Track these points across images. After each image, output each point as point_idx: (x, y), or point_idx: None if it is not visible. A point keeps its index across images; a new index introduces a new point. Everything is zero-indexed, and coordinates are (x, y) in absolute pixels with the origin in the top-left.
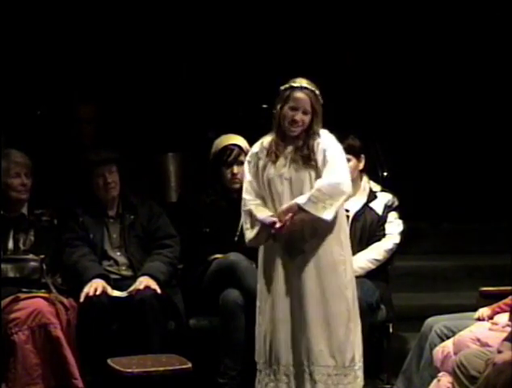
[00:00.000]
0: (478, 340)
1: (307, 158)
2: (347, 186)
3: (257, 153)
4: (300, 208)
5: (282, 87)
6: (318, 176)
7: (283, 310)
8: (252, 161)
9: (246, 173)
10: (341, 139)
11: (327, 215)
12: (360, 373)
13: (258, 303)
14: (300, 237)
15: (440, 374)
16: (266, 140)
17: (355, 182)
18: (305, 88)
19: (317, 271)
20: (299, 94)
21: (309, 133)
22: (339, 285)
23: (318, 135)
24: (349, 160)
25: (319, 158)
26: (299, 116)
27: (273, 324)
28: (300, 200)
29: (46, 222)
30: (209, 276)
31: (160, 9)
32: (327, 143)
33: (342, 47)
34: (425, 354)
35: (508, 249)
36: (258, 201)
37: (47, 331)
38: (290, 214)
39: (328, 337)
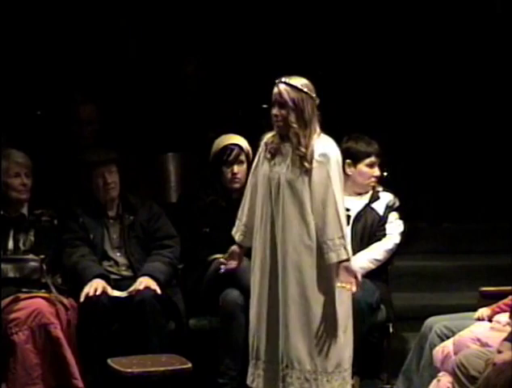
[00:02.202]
0: (478, 340)
1: (302, 159)
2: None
3: (262, 145)
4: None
5: None
6: (310, 181)
7: (267, 309)
8: (260, 150)
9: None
10: (370, 142)
11: (349, 254)
12: (349, 379)
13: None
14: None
15: (440, 374)
16: (269, 135)
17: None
18: (282, 82)
19: (300, 274)
20: (275, 89)
21: (289, 129)
22: (324, 290)
23: (308, 129)
24: (377, 164)
25: (315, 169)
26: (275, 110)
27: (257, 321)
28: (331, 260)
29: (46, 222)
30: (209, 276)
31: (160, 10)
32: (327, 157)
33: (342, 47)
34: (425, 354)
35: (508, 249)
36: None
37: (47, 331)
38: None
39: (308, 341)
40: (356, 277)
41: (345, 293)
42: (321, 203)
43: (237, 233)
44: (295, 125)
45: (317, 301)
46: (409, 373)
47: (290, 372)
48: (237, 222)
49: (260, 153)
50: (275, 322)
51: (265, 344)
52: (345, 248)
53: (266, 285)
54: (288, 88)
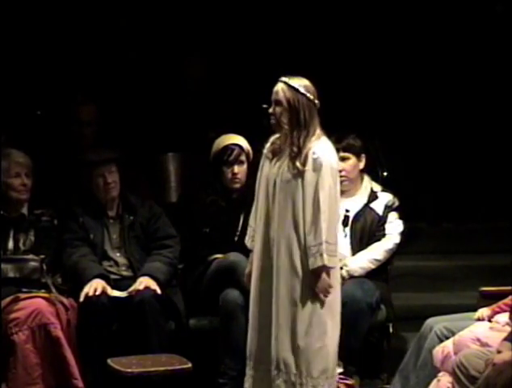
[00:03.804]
0: (478, 340)
1: (294, 160)
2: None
3: (266, 148)
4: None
5: None
6: (303, 185)
7: (261, 310)
8: (265, 151)
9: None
10: (341, 138)
11: (324, 261)
12: (334, 386)
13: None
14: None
15: (440, 374)
16: (276, 136)
17: (355, 181)
18: (282, 81)
19: (291, 278)
20: (274, 88)
21: (281, 129)
22: (313, 294)
23: (304, 130)
24: (348, 158)
25: (308, 172)
26: (271, 108)
27: (252, 321)
28: (310, 265)
29: (46, 222)
30: (209, 276)
31: (160, 10)
32: (320, 163)
33: (343, 46)
34: (423, 354)
35: (508, 249)
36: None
37: (47, 330)
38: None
39: (293, 345)
40: (330, 286)
41: (334, 299)
42: (309, 208)
43: (249, 240)
44: (286, 126)
45: (305, 304)
46: (406, 373)
47: (278, 374)
48: (249, 229)
49: (264, 154)
50: (268, 324)
51: (257, 346)
52: (321, 255)
53: (262, 286)
54: (286, 88)
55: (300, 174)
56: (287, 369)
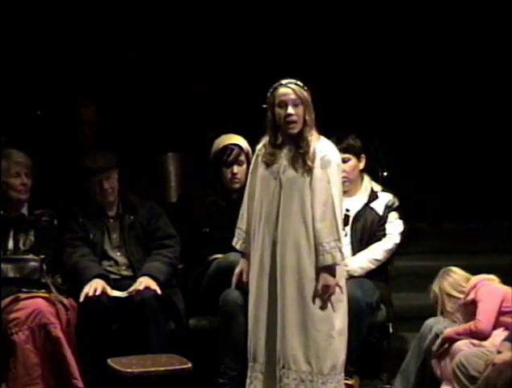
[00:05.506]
0: (472, 344)
1: (304, 157)
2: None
3: (258, 150)
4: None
5: (268, 94)
6: (311, 182)
7: (265, 310)
8: (255, 159)
9: (249, 172)
10: (341, 138)
11: (343, 257)
12: (342, 383)
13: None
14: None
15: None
16: (263, 142)
17: (355, 182)
18: (287, 82)
19: (298, 275)
20: (282, 90)
21: (303, 128)
22: (320, 294)
23: (312, 129)
24: (348, 159)
25: (316, 170)
26: (290, 109)
27: (255, 322)
28: (326, 262)
29: (46, 222)
30: (209, 276)
31: (160, 11)
32: (328, 160)
33: (342, 46)
34: (423, 354)
35: (508, 249)
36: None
37: (47, 331)
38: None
39: (304, 342)
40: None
41: (342, 295)
42: (321, 205)
43: (238, 242)
44: (310, 123)
45: (314, 301)
46: (406, 374)
47: (286, 372)
48: (238, 231)
49: (255, 158)
50: (274, 323)
51: (264, 346)
52: (340, 251)
53: (265, 286)
54: (301, 89)
55: (307, 171)
56: (297, 366)
